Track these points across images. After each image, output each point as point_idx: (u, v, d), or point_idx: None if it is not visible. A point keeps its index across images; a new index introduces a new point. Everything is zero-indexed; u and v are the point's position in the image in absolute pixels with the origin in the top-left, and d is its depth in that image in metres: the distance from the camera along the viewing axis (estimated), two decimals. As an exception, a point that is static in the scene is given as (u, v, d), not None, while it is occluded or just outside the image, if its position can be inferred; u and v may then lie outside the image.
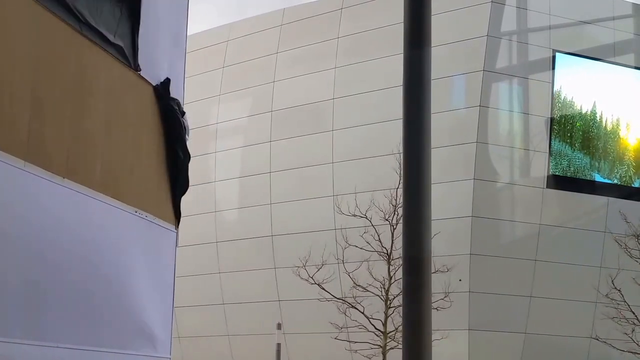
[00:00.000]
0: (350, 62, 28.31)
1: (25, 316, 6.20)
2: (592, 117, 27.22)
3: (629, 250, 23.37)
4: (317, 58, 28.97)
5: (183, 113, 8.52)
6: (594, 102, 27.23)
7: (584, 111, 27.16)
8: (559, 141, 26.56)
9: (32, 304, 6.28)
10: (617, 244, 23.68)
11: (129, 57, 7.61)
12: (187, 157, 8.63)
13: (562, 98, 26.76)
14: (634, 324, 23.06)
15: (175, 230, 8.56)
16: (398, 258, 21.47)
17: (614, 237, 23.96)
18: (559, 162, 26.56)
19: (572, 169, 26.68)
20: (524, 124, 26.78)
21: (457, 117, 26.13)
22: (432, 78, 6.18)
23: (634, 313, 23.06)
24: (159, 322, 8.17)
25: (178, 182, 8.53)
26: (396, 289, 21.58)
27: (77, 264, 6.83)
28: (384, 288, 22.57)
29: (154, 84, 8.12)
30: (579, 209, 27.04)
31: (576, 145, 26.83)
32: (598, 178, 27.15)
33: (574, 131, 26.87)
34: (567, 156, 26.71)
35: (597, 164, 27.16)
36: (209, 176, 29.86)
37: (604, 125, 27.35)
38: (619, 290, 22.85)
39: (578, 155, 26.88)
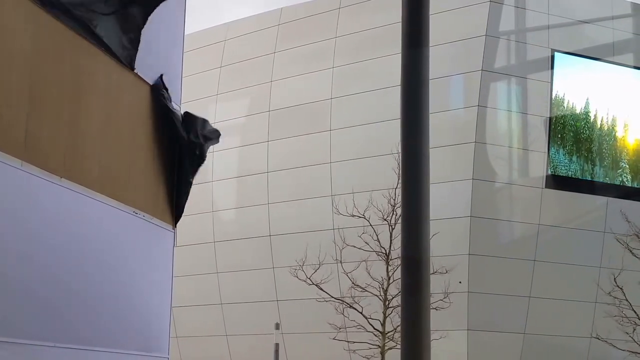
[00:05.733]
0: (348, 61, 28.30)
1: (23, 316, 6.19)
2: (585, 117, 27.18)
3: (631, 249, 23.36)
4: (315, 57, 28.96)
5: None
6: (593, 102, 27.22)
7: (582, 111, 27.15)
8: (556, 144, 26.52)
9: (30, 303, 6.27)
10: (618, 243, 23.64)
11: (126, 56, 7.60)
12: (190, 158, 8.57)
13: (557, 96, 26.71)
14: (635, 323, 23.06)
15: (173, 230, 8.55)
16: (397, 258, 21.45)
17: (617, 237, 23.92)
18: (558, 164, 26.55)
19: (561, 172, 26.62)
20: (523, 123, 26.76)
21: (455, 117, 26.12)
22: (430, 78, 6.17)
23: (635, 312, 23.05)
24: (157, 321, 8.17)
25: (180, 183, 8.51)
26: (395, 289, 21.57)
27: (74, 263, 6.82)
28: (383, 288, 22.55)
29: (151, 84, 8.11)
30: (578, 209, 27.03)
31: (567, 147, 26.79)
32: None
33: (565, 132, 26.82)
34: (563, 160, 26.70)
35: (591, 168, 27.14)
36: (206, 176, 29.83)
37: (599, 125, 27.32)
38: (621, 289, 22.84)
39: (573, 158, 26.86)
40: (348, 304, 23.23)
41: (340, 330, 23.60)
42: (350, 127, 27.78)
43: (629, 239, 23.52)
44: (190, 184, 8.66)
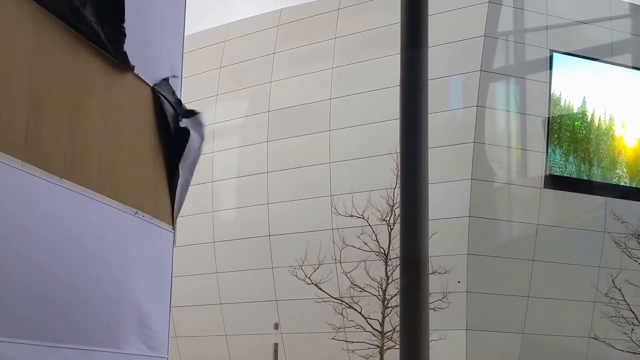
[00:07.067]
0: (347, 62, 28.33)
1: (22, 316, 6.21)
2: (582, 116, 27.20)
3: (629, 250, 23.37)
4: (314, 58, 28.98)
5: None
6: (591, 103, 27.24)
7: (580, 111, 27.17)
8: (552, 144, 26.53)
9: (29, 304, 6.28)
10: (616, 244, 23.67)
11: (125, 57, 7.60)
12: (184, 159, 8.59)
13: (554, 96, 26.72)
14: (633, 323, 23.09)
15: (173, 230, 8.55)
16: (395, 258, 21.49)
17: (614, 238, 23.93)
18: (554, 164, 26.55)
19: (557, 172, 26.60)
20: (521, 124, 26.79)
21: (454, 117, 26.16)
22: (429, 78, 6.19)
23: (633, 313, 23.08)
24: (156, 321, 8.17)
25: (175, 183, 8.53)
26: (393, 289, 21.61)
27: (74, 263, 6.83)
28: (381, 288, 22.59)
29: (151, 85, 8.12)
30: (577, 209, 27.06)
31: (564, 147, 26.80)
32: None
33: (562, 132, 26.83)
34: (560, 160, 26.71)
35: (588, 168, 27.14)
36: (206, 176, 29.86)
37: (596, 125, 27.33)
38: (619, 290, 22.86)
39: (570, 158, 26.88)
40: (347, 304, 23.27)
41: (339, 330, 23.64)
42: (350, 128, 27.81)
43: (627, 239, 23.55)
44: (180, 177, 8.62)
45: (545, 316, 25.97)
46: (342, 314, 23.65)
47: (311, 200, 28.10)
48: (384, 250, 22.67)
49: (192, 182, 8.98)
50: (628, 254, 23.37)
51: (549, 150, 26.47)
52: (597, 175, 27.23)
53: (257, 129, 29.77)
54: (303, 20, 29.83)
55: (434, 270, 19.92)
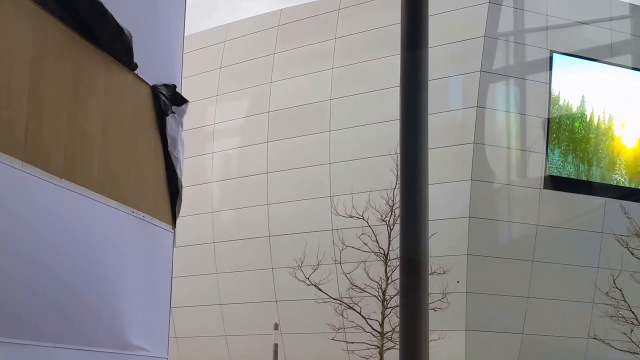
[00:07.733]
0: (347, 62, 28.31)
1: (22, 316, 6.21)
2: (581, 116, 27.19)
3: (630, 249, 23.35)
4: (314, 59, 28.97)
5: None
6: (591, 103, 27.23)
7: (580, 112, 27.17)
8: (551, 144, 26.52)
9: (29, 304, 6.28)
10: (617, 243, 23.63)
11: (126, 57, 7.61)
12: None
13: (557, 97, 26.72)
14: (633, 323, 23.08)
15: (173, 231, 8.56)
16: (395, 259, 21.48)
17: (616, 237, 23.90)
18: (552, 165, 26.54)
19: (555, 172, 26.57)
20: (521, 124, 26.78)
21: (454, 118, 26.14)
22: (429, 79, 6.18)
23: (633, 313, 23.07)
24: (156, 322, 8.18)
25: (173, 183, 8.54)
26: (393, 289, 21.60)
27: (74, 264, 6.84)
28: (381, 289, 22.58)
29: (151, 85, 8.13)
30: (576, 210, 27.05)
31: (562, 147, 26.77)
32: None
33: (561, 132, 26.81)
34: (558, 160, 26.70)
35: (587, 168, 27.13)
36: (206, 177, 29.87)
37: (595, 125, 27.33)
38: (619, 290, 22.86)
39: (569, 159, 26.86)
40: (347, 304, 23.26)
41: (339, 330, 23.63)
42: (350, 128, 27.81)
43: (629, 239, 23.53)
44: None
45: (544, 317, 25.96)
46: (342, 315, 23.64)
47: (311, 200, 28.09)
48: (384, 251, 22.65)
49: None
50: (633, 253, 23.31)
51: (549, 151, 26.47)
52: (596, 176, 27.23)
53: (257, 129, 29.75)
54: (303, 20, 29.82)
55: (434, 271, 19.92)
